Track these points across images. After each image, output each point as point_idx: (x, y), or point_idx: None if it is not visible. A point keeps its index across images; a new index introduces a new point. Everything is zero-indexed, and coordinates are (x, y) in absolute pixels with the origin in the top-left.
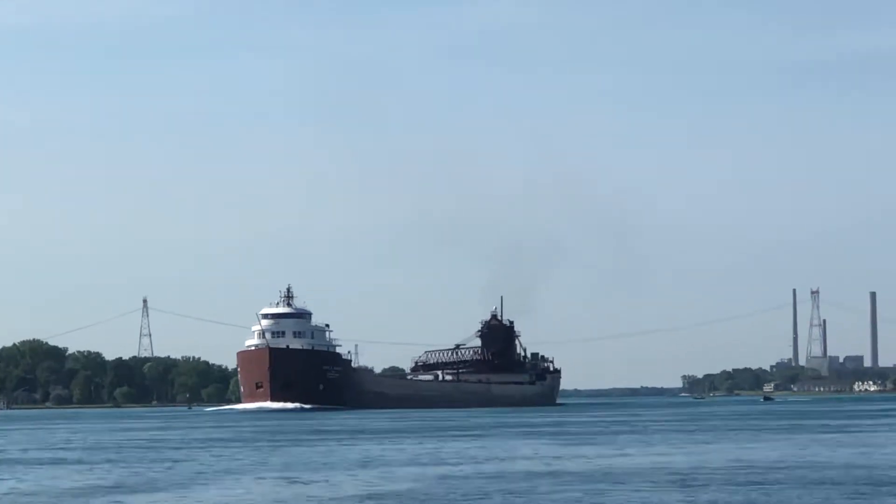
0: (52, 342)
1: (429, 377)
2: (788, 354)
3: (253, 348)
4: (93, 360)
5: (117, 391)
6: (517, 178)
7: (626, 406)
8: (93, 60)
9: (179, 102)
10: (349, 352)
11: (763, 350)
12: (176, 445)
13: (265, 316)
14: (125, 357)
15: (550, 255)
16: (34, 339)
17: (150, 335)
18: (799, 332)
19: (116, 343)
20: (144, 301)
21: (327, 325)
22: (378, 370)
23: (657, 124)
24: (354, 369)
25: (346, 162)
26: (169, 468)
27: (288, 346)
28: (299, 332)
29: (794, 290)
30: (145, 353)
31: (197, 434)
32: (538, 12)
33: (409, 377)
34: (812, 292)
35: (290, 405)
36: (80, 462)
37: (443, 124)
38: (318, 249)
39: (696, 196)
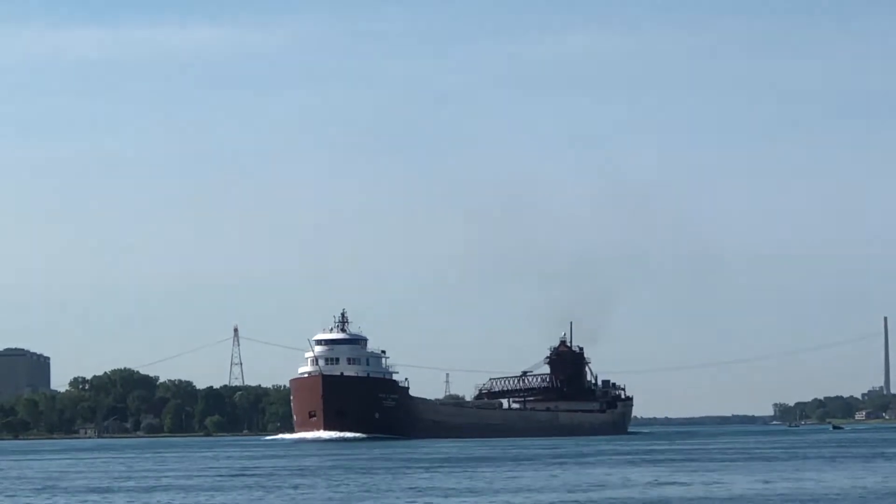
0: (143, 371)
1: (492, 405)
2: (880, 382)
3: (306, 375)
4: (183, 389)
5: (208, 420)
6: (587, 203)
7: (703, 436)
8: (170, 94)
9: (251, 134)
10: (406, 379)
11: (855, 378)
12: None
13: (319, 342)
14: (216, 386)
15: (624, 281)
16: (125, 369)
17: (240, 364)
18: (891, 360)
19: (207, 372)
20: (235, 330)
21: (383, 352)
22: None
23: (739, 152)
24: (411, 397)
25: (408, 189)
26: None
27: (342, 374)
28: (354, 359)
29: (886, 318)
30: (236, 382)
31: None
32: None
33: (470, 405)
34: None
35: (343, 434)
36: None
37: (507, 152)
38: (385, 277)
39: (786, 222)
